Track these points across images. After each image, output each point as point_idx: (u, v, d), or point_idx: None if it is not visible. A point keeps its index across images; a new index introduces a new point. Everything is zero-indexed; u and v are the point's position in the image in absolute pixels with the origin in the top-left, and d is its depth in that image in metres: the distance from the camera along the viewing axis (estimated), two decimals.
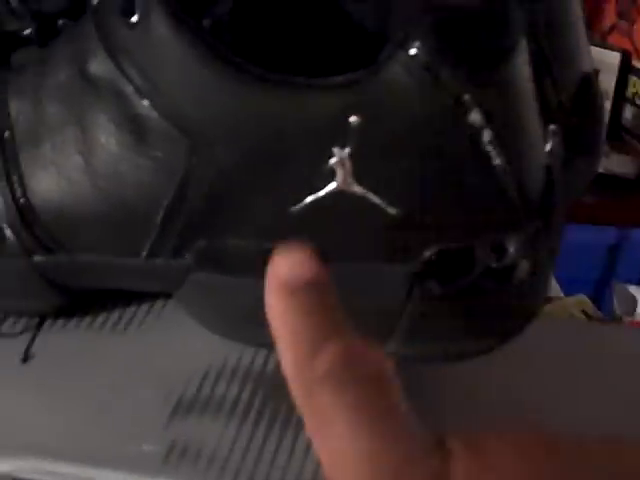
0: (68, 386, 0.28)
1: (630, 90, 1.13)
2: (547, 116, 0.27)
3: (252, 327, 0.29)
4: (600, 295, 1.04)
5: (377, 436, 0.15)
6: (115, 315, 0.31)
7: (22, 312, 0.31)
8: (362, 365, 0.16)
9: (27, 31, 0.34)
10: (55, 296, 0.30)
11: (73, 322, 0.31)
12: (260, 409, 0.27)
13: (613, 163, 0.78)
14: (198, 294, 0.29)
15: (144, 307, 0.31)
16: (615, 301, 0.98)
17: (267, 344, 0.29)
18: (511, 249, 0.26)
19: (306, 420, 0.16)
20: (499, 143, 0.25)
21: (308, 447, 0.26)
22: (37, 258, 0.29)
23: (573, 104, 0.33)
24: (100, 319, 0.31)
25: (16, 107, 0.29)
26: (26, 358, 0.29)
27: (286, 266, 0.17)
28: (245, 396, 0.28)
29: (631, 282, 1.03)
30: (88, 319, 0.31)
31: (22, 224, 0.28)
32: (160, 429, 0.26)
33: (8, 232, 0.28)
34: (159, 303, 0.31)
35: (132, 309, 0.31)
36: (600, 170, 0.35)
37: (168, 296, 0.31)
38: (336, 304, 0.17)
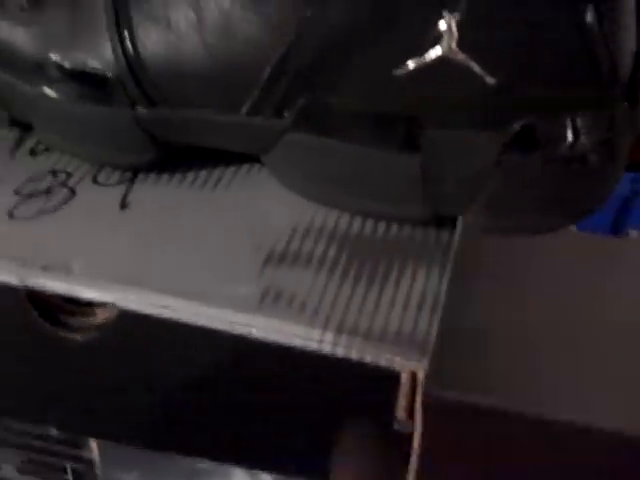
0: (164, 232, 0.30)
1: None
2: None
3: (341, 191, 0.30)
4: None
5: None
6: (204, 174, 0.32)
7: (117, 164, 0.32)
8: None
9: None
10: (150, 150, 0.31)
11: (165, 178, 0.32)
12: (346, 266, 0.29)
13: None
14: (290, 157, 0.30)
15: (231, 169, 0.33)
16: None
17: (355, 209, 0.31)
18: (593, 129, 0.28)
19: None
20: (601, 23, 0.26)
21: (393, 301, 0.28)
22: (140, 110, 0.30)
23: None
24: (190, 177, 0.32)
25: None
26: (124, 205, 0.31)
27: None
28: (332, 253, 0.29)
29: None
30: (179, 176, 0.32)
31: (129, 75, 0.29)
32: (254, 275, 0.28)
33: (115, 82, 0.30)
34: (245, 166, 0.33)
35: (220, 170, 0.33)
36: None
37: (254, 161, 0.32)
38: None
